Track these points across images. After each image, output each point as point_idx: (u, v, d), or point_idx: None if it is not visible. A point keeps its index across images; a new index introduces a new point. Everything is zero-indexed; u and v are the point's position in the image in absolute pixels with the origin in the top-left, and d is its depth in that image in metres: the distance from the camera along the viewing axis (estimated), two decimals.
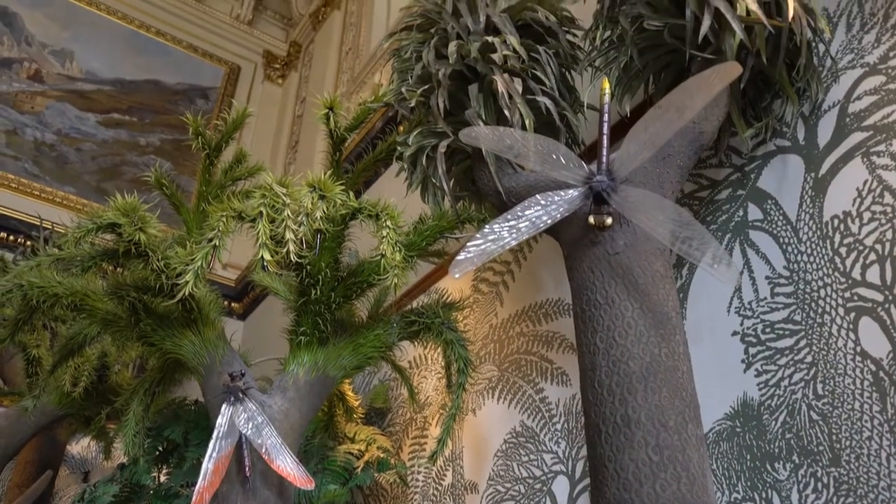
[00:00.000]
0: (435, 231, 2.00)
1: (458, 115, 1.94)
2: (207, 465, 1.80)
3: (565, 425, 2.10)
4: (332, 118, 2.02)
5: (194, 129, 2.15)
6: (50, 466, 3.60)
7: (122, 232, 1.74)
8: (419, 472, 2.62)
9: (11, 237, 4.59)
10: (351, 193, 1.90)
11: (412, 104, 1.94)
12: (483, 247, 1.47)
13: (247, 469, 1.82)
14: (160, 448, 2.49)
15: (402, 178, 2.08)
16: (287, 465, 1.80)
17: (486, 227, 1.49)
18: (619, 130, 2.02)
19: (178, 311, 2.06)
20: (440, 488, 2.49)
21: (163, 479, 2.56)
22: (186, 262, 1.67)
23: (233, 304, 5.10)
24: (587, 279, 1.49)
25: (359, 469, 2.46)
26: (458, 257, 1.46)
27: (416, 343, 2.88)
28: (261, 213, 1.65)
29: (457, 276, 1.46)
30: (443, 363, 2.70)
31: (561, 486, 2.04)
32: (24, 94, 5.36)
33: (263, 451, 1.82)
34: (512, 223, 1.49)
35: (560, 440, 2.10)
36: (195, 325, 2.07)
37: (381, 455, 2.51)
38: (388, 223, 1.78)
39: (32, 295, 2.02)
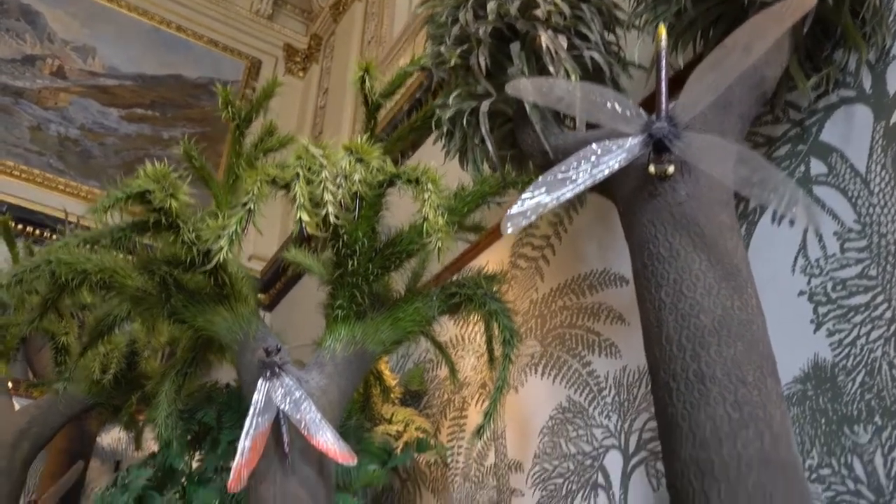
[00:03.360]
0: (477, 196, 1.92)
1: (497, 77, 1.85)
2: (245, 442, 1.72)
3: (616, 398, 2.00)
4: (367, 82, 1.94)
5: (224, 99, 2.07)
6: (80, 457, 3.56)
7: (153, 199, 1.66)
8: (459, 454, 2.53)
9: (38, 231, 4.57)
10: (388, 159, 1.82)
11: (451, 64, 1.86)
12: (537, 199, 1.38)
13: (285, 445, 1.74)
14: (193, 431, 2.42)
15: (437, 154, 1.99)
16: (328, 441, 1.72)
17: (540, 178, 1.40)
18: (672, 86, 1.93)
19: (210, 287, 1.99)
20: (482, 469, 2.40)
21: (196, 464, 2.49)
22: (219, 231, 1.59)
23: (259, 296, 5.04)
24: (648, 233, 1.40)
25: (398, 450, 2.38)
26: (511, 211, 1.37)
27: (454, 322, 2.79)
28: (297, 174, 1.57)
29: (509, 230, 1.37)
30: (481, 342, 2.61)
31: (613, 461, 1.94)
32: (47, 91, 5.34)
33: (302, 426, 1.73)
34: (567, 174, 1.39)
35: (611, 413, 2.00)
36: (227, 300, 2.00)
37: (420, 435, 2.43)
38: (430, 186, 1.69)
39: (61, 272, 1.96)
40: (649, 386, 1.92)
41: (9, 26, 5.40)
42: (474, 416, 2.54)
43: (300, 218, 1.51)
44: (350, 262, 1.91)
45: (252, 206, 1.55)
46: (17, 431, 3.05)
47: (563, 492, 2.06)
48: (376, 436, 2.38)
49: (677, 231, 1.36)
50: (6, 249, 3.39)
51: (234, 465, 1.69)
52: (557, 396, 2.21)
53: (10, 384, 3.42)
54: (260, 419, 1.76)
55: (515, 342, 1.91)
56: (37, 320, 2.14)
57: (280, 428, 1.76)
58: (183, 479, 2.39)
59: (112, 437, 4.19)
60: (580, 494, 2.01)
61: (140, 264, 1.91)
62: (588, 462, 2.02)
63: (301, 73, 6.75)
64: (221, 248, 1.52)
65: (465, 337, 2.72)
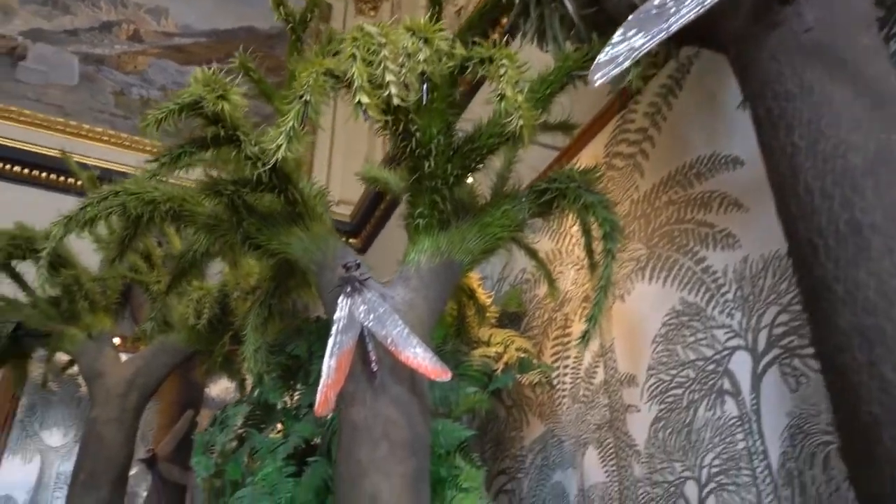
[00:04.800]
0: (560, 74, 1.68)
1: None
2: (329, 361, 1.60)
3: (738, 293, 1.76)
4: None
5: (275, 1, 1.92)
6: (190, 407, 3.61)
7: (205, 105, 1.53)
8: (565, 374, 2.35)
9: None
10: (458, 42, 1.62)
11: None
12: (629, 42, 1.15)
13: (373, 364, 1.60)
14: (284, 365, 2.34)
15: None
16: (417, 356, 1.57)
17: (631, 16, 1.17)
18: None
19: (281, 206, 1.87)
20: (591, 387, 2.21)
21: (292, 401, 2.42)
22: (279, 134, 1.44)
23: (350, 240, 4.97)
24: (772, 70, 1.15)
25: (499, 371, 2.22)
26: (600, 58, 1.15)
27: (550, 236, 2.59)
28: (354, 55, 1.40)
29: (599, 81, 1.15)
30: (580, 254, 2.40)
31: (741, 363, 1.72)
32: (126, 55, 5.38)
33: (389, 342, 1.59)
34: (664, 7, 1.15)
35: (734, 311, 1.76)
36: (301, 220, 1.87)
37: (522, 355, 2.26)
38: (505, 62, 1.48)
39: (129, 204, 1.89)
40: (777, 276, 1.68)
41: None
42: (578, 334, 2.34)
43: (359, 101, 1.34)
44: (426, 164, 1.73)
45: (308, 98, 1.39)
46: (125, 382, 3.08)
47: (685, 402, 1.86)
48: (474, 359, 2.23)
49: (808, 62, 1.10)
50: None
51: (320, 386, 1.57)
52: (670, 300, 1.98)
53: (117, 340, 3.47)
54: (343, 337, 1.63)
55: (617, 236, 1.70)
56: (116, 259, 2.09)
57: (365, 346, 1.63)
58: (281, 413, 2.32)
59: (220, 388, 4.24)
60: (704, 403, 1.80)
61: (206, 186, 1.80)
62: (710, 367, 1.80)
63: (372, 13, 6.56)
64: (279, 147, 1.37)
65: (563, 250, 2.52)
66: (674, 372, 1.91)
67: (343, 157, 5.14)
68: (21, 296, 3.23)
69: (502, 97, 1.42)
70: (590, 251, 1.97)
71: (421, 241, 1.81)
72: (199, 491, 3.91)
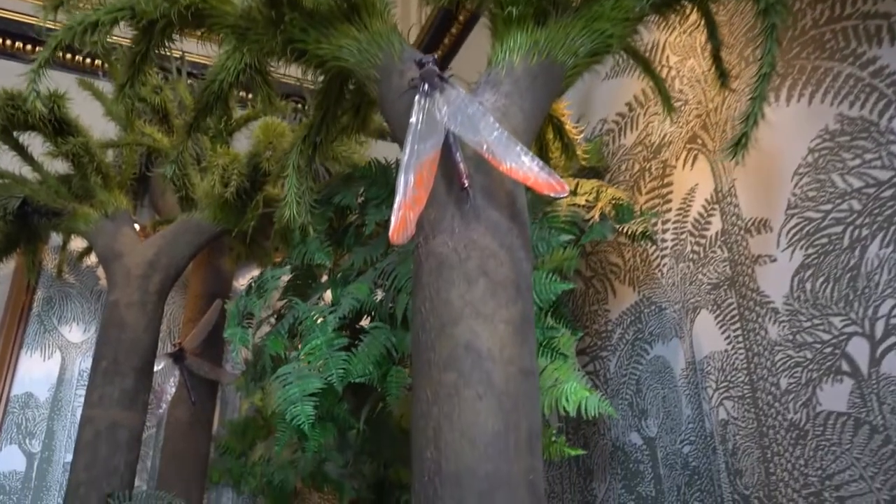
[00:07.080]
0: None
1: None
2: (405, 176, 1.22)
3: None
4: None
5: None
6: (218, 297, 3.29)
7: None
8: (666, 230, 1.97)
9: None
10: None
11: None
12: None
13: (463, 179, 1.22)
14: (329, 217, 1.97)
15: None
16: (523, 166, 1.19)
17: None
18: None
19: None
20: (703, 241, 1.83)
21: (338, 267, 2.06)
22: None
23: None
24: None
25: (593, 220, 1.84)
26: None
27: (637, 75, 2.17)
28: None
29: None
30: (683, 87, 1.99)
31: None
32: None
33: (484, 149, 1.21)
34: None
35: None
36: (357, 15, 1.47)
37: (619, 203, 1.87)
38: None
39: (139, 5, 1.50)
40: None
41: None
42: (683, 181, 1.95)
43: None
44: None
45: None
46: (146, 264, 2.75)
47: (846, 242, 1.47)
48: (561, 208, 1.85)
49: None
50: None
51: (396, 204, 1.19)
52: (820, 119, 1.57)
53: (137, 227, 3.13)
54: (422, 146, 1.25)
55: (781, 8, 1.28)
56: (126, 86, 1.71)
57: (452, 157, 1.25)
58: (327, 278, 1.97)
59: (248, 280, 3.92)
60: (878, 239, 1.41)
61: None
62: (887, 193, 1.40)
63: None
64: None
65: (656, 91, 2.10)
66: (827, 207, 1.52)
67: None
68: (27, 172, 2.88)
69: None
70: (717, 56, 1.57)
71: (513, 35, 1.40)
72: (231, 387, 3.64)
